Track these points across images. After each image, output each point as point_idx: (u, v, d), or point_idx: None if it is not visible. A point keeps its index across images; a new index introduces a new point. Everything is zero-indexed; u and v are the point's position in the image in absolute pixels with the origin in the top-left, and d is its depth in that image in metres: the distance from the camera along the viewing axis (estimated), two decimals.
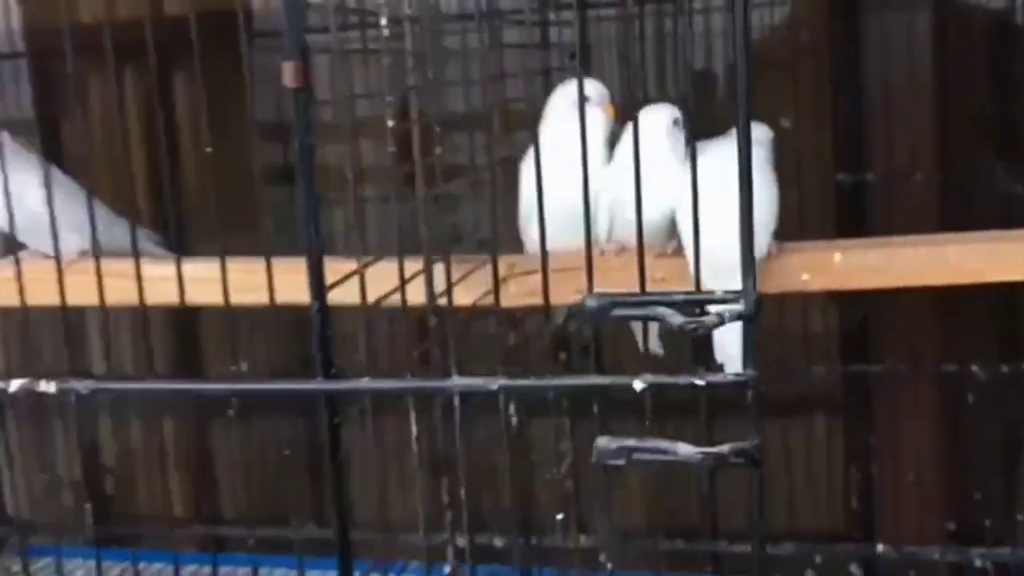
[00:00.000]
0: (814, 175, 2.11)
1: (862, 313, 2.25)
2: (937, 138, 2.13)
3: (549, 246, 1.52)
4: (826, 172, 2.16)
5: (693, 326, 0.86)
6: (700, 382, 0.89)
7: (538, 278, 1.46)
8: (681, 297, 0.90)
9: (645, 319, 0.98)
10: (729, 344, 1.43)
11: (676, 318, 0.87)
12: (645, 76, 2.16)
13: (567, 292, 1.49)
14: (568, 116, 1.53)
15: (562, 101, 1.62)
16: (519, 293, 1.51)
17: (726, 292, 0.90)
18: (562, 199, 1.47)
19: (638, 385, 0.90)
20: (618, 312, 0.90)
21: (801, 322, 2.16)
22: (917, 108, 2.10)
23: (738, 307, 0.88)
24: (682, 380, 0.90)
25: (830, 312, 2.29)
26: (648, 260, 1.49)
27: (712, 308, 0.91)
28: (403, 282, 1.33)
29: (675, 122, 1.60)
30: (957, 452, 2.19)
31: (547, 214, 1.51)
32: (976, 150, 2.15)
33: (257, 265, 1.39)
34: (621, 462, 0.88)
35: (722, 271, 1.41)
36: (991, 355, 2.04)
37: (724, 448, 0.86)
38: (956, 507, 2.17)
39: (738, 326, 1.38)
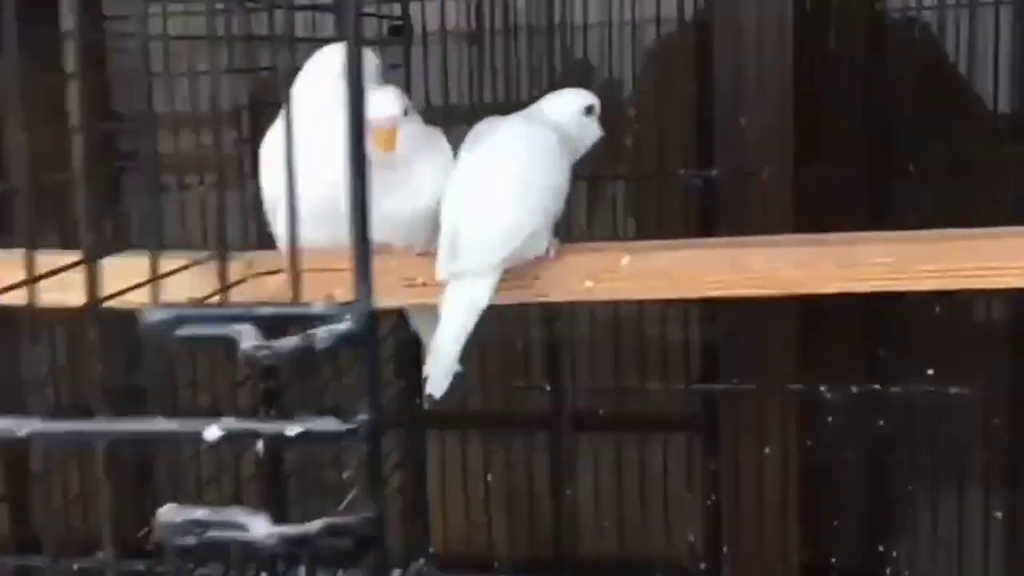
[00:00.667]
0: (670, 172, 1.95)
1: (719, 326, 2.06)
2: (795, 133, 1.95)
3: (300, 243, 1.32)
4: (677, 169, 1.99)
5: (265, 352, 0.65)
6: (291, 432, 0.66)
7: (281, 280, 1.25)
8: (270, 311, 0.69)
9: (214, 340, 0.75)
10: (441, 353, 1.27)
11: (248, 340, 0.65)
12: None
13: (316, 297, 1.30)
14: (326, 90, 1.32)
15: (321, 71, 1.37)
16: (257, 297, 1.29)
17: (339, 305, 0.69)
18: (312, 188, 1.27)
19: (211, 434, 0.67)
20: (186, 331, 0.68)
21: (640, 335, 1.99)
22: (771, 101, 1.92)
23: (343, 325, 0.66)
24: (266, 428, 0.67)
25: (690, 322, 2.11)
26: (407, 260, 1.31)
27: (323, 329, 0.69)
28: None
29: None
30: (811, 478, 2.01)
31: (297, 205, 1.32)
32: (840, 145, 1.97)
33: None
34: (191, 541, 0.65)
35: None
36: (851, 374, 1.88)
37: (314, 526, 0.63)
38: (809, 536, 2.00)
39: (452, 334, 1.25)
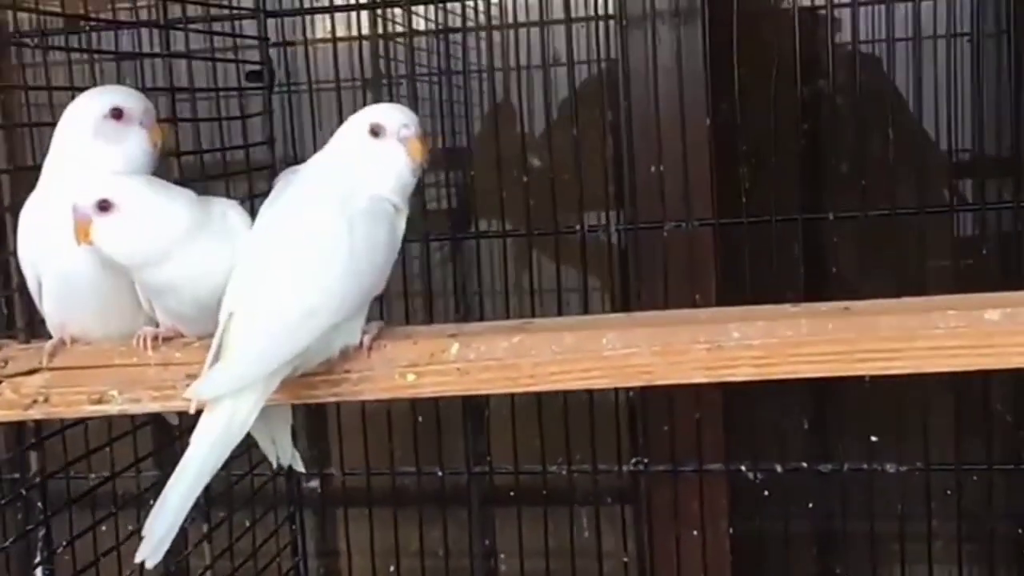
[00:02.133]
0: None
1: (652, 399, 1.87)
2: (717, 184, 1.75)
3: (67, 328, 1.13)
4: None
5: None
6: None
7: (39, 381, 1.07)
8: None
9: None
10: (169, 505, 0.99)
11: None
12: None
13: (77, 400, 1.10)
14: (87, 135, 1.14)
15: (75, 116, 1.15)
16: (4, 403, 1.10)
17: None
18: (72, 264, 1.08)
19: None
20: None
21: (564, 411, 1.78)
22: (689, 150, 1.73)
23: None
24: None
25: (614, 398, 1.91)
26: (199, 351, 1.10)
27: None
28: None
29: None
30: (740, 560, 1.80)
31: (57, 285, 1.12)
32: (768, 195, 1.76)
33: None
34: None
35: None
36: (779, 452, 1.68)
37: None
38: None
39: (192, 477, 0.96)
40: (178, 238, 1.07)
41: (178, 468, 1.00)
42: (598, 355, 1.08)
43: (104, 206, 1.04)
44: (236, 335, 1.02)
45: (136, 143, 1.14)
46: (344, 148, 1.12)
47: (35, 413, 1.09)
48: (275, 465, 1.35)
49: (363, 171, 1.10)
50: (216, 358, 1.02)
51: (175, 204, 1.09)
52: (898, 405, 1.64)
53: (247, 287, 1.04)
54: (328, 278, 1.04)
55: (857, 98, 1.69)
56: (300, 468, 1.34)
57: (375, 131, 1.10)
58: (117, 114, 1.14)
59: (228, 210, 1.13)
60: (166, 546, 0.98)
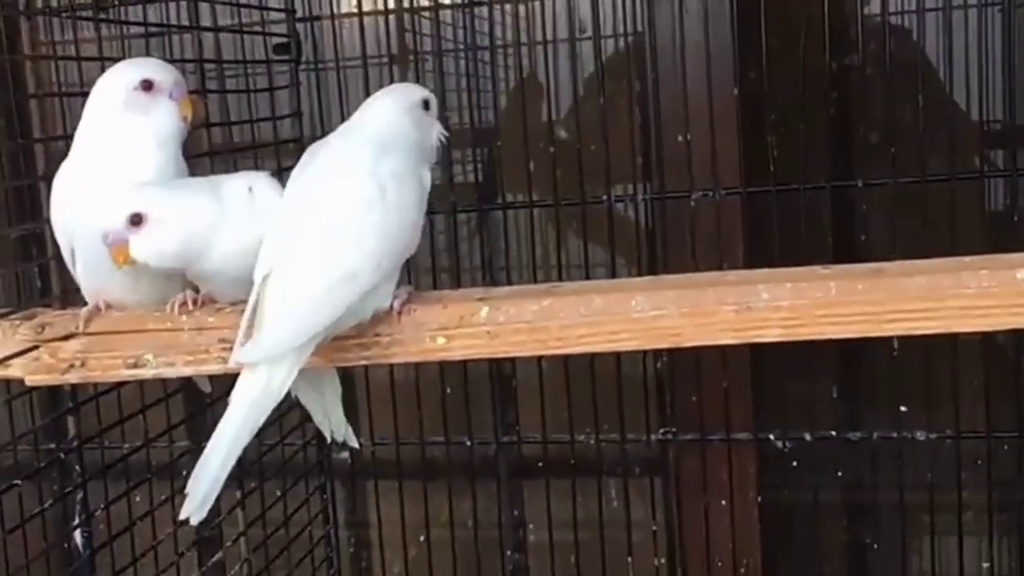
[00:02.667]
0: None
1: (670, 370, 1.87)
2: (745, 151, 1.75)
3: (101, 295, 1.14)
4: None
5: None
6: None
7: (76, 346, 1.08)
8: None
9: None
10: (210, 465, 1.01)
11: None
12: None
13: (113, 364, 1.12)
14: (117, 106, 1.15)
15: (106, 87, 1.17)
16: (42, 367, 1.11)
17: None
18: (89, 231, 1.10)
19: None
20: None
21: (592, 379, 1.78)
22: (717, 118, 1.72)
23: None
24: None
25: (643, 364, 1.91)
26: (228, 316, 1.11)
27: None
28: None
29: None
30: (769, 530, 1.81)
31: (90, 252, 1.14)
32: (797, 163, 1.76)
33: None
34: None
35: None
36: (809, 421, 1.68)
37: None
38: None
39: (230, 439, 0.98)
40: (211, 231, 1.09)
41: (217, 430, 1.01)
42: (626, 317, 1.09)
43: (136, 220, 1.06)
44: (275, 299, 1.03)
45: (165, 115, 1.16)
46: (389, 117, 1.15)
47: (72, 377, 1.11)
48: (329, 440, 1.37)
49: (409, 140, 1.13)
50: (251, 322, 1.03)
51: (200, 198, 1.12)
52: (928, 372, 1.63)
53: (283, 252, 1.05)
54: (365, 240, 1.05)
55: (887, 68, 1.68)
56: (354, 443, 1.37)
57: (425, 105, 1.18)
58: (147, 86, 1.15)
59: (254, 183, 1.15)
60: (210, 504, 1.01)
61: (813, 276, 1.09)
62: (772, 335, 1.07)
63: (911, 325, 1.04)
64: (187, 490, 1.00)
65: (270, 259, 1.05)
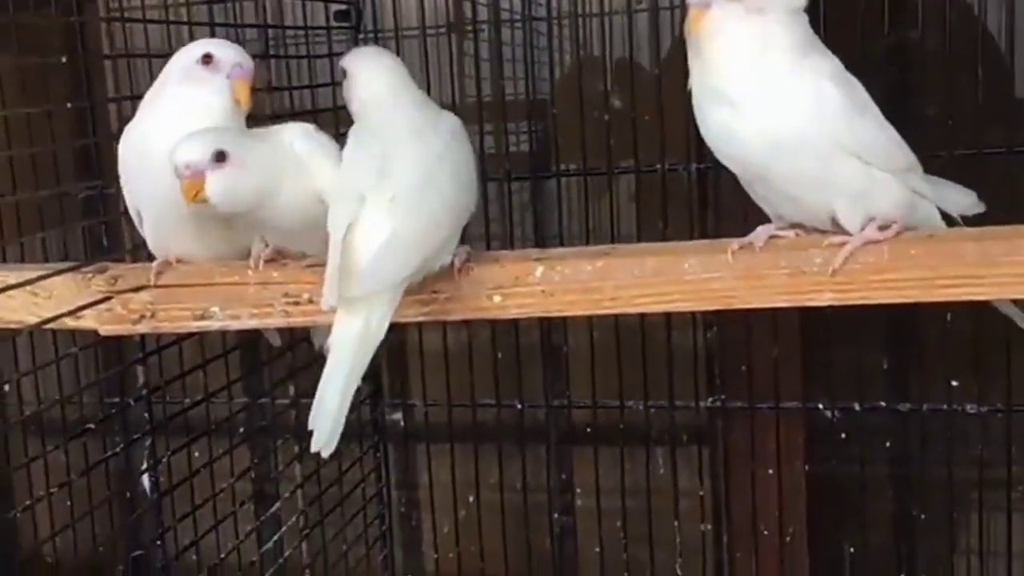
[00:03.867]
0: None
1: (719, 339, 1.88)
2: None
3: (168, 251, 1.18)
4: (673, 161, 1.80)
5: None
6: None
7: (146, 298, 1.12)
8: None
9: None
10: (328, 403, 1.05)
11: None
12: None
13: (182, 316, 1.16)
14: (177, 76, 1.19)
15: (175, 58, 1.22)
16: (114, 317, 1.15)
17: None
18: (173, 192, 1.13)
19: None
20: None
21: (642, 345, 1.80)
22: None
23: None
24: None
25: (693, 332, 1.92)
26: (292, 272, 1.15)
27: None
28: None
29: None
30: (817, 499, 1.81)
31: (154, 213, 1.18)
32: None
33: None
34: None
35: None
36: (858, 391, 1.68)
37: None
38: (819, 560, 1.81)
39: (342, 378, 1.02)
40: (281, 179, 1.12)
41: (326, 375, 1.05)
42: (679, 279, 1.11)
43: (220, 158, 1.09)
44: (371, 239, 1.06)
45: (216, 90, 1.18)
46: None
47: (142, 328, 1.15)
48: None
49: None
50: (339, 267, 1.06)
51: (274, 148, 1.15)
52: (979, 344, 1.62)
53: (368, 203, 1.09)
54: (446, 190, 1.11)
55: (946, 41, 1.67)
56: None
57: None
58: (207, 59, 1.18)
59: (295, 140, 1.19)
60: (336, 438, 1.05)
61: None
62: (825, 299, 1.08)
63: (964, 291, 1.05)
64: (310, 426, 1.05)
65: (350, 210, 1.09)
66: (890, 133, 1.14)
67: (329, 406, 1.04)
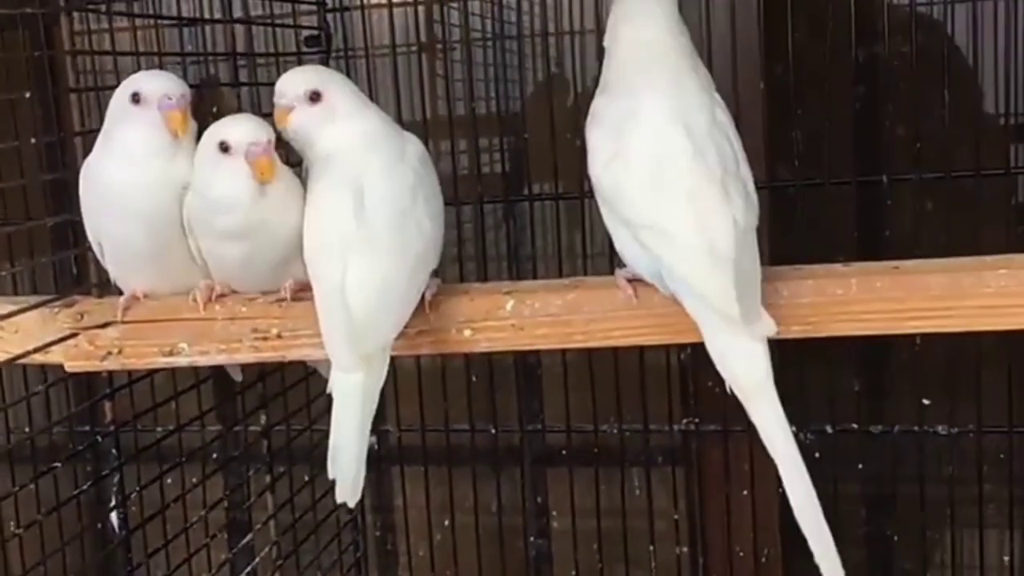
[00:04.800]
0: None
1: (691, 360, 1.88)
2: (769, 142, 1.76)
3: (131, 285, 1.17)
4: None
5: None
6: None
7: (113, 334, 1.11)
8: None
9: None
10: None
11: None
12: None
13: (149, 352, 1.15)
14: (116, 113, 1.19)
15: (116, 94, 1.19)
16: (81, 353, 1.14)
17: None
18: (126, 225, 1.13)
19: None
20: None
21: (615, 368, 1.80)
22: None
23: None
24: None
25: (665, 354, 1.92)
26: (260, 306, 1.14)
27: None
28: None
29: None
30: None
31: (114, 247, 1.17)
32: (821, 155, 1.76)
33: None
34: None
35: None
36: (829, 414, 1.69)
37: None
38: None
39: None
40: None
41: (338, 426, 1.06)
42: (651, 311, 1.11)
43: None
44: (365, 298, 1.07)
45: (149, 126, 1.15)
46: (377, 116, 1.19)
47: (110, 364, 1.14)
48: None
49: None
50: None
51: None
52: (950, 367, 1.63)
53: (352, 252, 1.08)
54: (424, 224, 1.11)
55: (913, 61, 1.68)
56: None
57: None
58: (136, 98, 1.16)
59: None
60: (360, 485, 1.07)
61: (832, 273, 1.11)
62: (793, 332, 1.08)
63: (932, 323, 1.06)
64: (330, 476, 1.06)
65: (337, 261, 1.08)
66: None
67: (348, 456, 1.05)
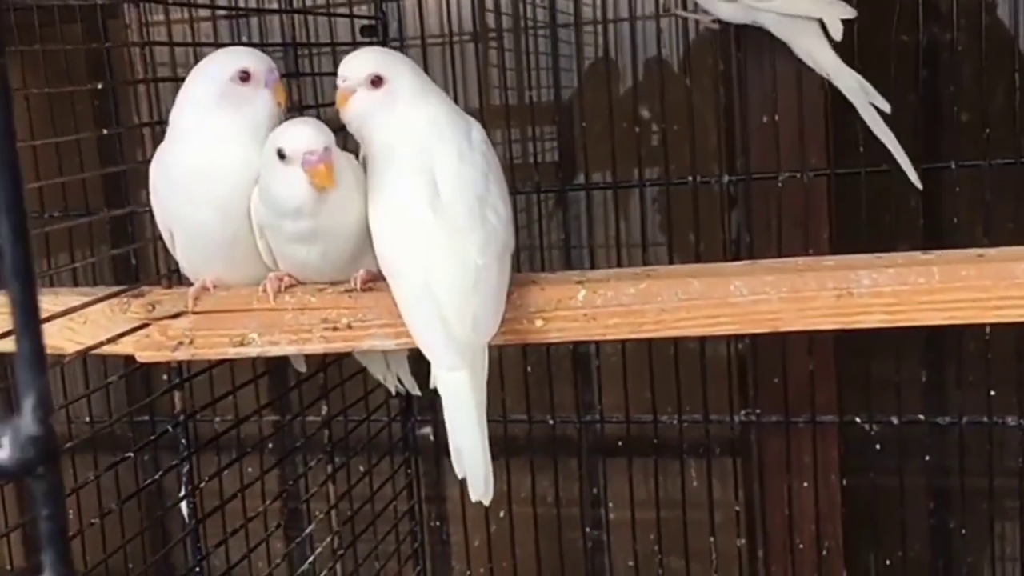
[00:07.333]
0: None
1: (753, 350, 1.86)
2: (831, 132, 1.72)
3: (201, 275, 1.17)
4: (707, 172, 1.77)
5: None
6: None
7: (184, 324, 1.11)
8: None
9: None
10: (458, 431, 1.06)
11: None
12: None
13: (220, 342, 1.15)
14: (212, 97, 1.15)
15: (203, 77, 1.17)
16: (152, 344, 1.14)
17: None
18: (202, 213, 1.12)
19: None
20: None
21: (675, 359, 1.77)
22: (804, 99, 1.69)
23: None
24: None
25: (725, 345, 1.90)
26: (330, 297, 1.13)
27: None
28: None
29: None
30: (853, 514, 1.79)
31: (187, 236, 1.16)
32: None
33: None
34: None
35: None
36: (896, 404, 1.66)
37: None
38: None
39: (474, 431, 1.04)
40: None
41: (454, 426, 1.08)
42: (725, 301, 1.09)
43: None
44: (462, 298, 1.06)
45: (262, 105, 1.14)
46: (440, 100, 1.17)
47: (181, 354, 1.14)
48: (393, 392, 1.41)
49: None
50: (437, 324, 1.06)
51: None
52: (1020, 356, 1.60)
53: (435, 246, 1.07)
54: (499, 208, 1.10)
55: (981, 45, 1.64)
56: (415, 392, 1.43)
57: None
58: (244, 76, 1.14)
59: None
60: (491, 481, 1.08)
61: (914, 261, 1.08)
62: (873, 321, 1.06)
63: (1019, 312, 1.03)
64: (459, 475, 1.07)
65: (420, 256, 1.07)
66: None
67: (472, 454, 1.05)
